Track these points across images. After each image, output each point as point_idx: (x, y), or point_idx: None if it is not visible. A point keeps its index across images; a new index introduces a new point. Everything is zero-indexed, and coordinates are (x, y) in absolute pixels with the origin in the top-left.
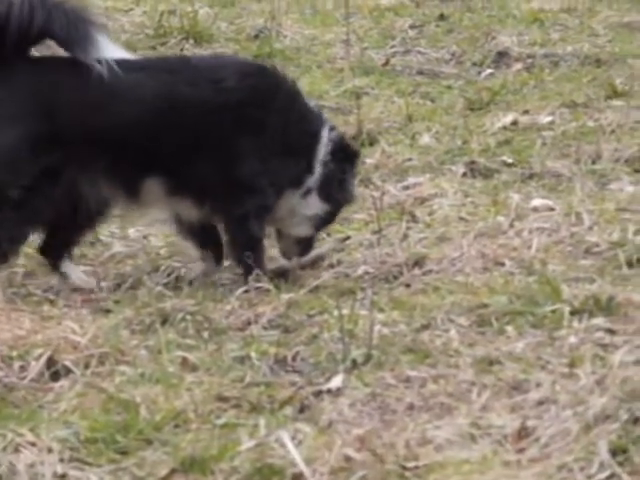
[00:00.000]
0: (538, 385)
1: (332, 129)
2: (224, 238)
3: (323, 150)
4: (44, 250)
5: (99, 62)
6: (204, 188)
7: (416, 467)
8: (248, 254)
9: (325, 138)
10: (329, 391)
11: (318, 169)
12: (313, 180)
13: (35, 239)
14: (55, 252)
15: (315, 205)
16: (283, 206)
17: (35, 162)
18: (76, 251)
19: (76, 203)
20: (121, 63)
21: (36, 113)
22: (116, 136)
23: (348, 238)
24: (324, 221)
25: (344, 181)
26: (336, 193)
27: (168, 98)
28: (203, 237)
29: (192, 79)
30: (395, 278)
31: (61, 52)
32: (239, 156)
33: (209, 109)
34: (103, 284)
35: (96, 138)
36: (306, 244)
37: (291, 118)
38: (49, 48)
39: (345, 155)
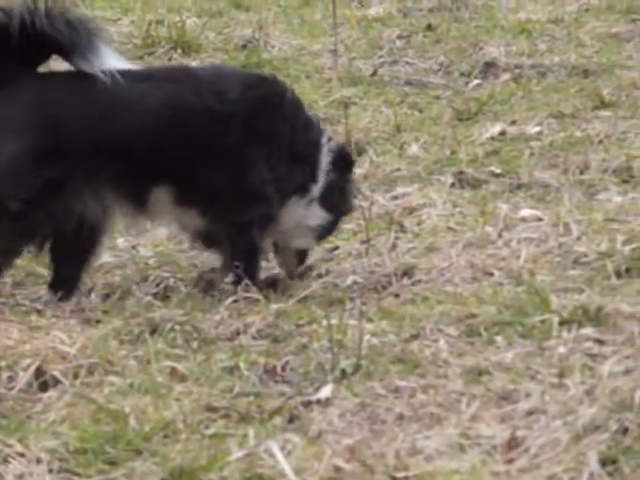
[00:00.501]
0: (527, 395)
1: (330, 138)
2: (223, 244)
3: (325, 159)
4: (54, 286)
5: (103, 73)
6: (211, 196)
7: (406, 477)
8: (239, 263)
9: (326, 147)
10: (318, 401)
11: (321, 178)
12: (316, 190)
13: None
14: (65, 286)
15: (318, 215)
16: (287, 216)
17: (38, 175)
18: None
19: (79, 220)
20: (124, 73)
21: (40, 126)
22: (122, 146)
23: (337, 248)
24: (326, 231)
25: (345, 190)
26: (338, 202)
27: (174, 107)
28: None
29: (197, 89)
30: (384, 288)
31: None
32: (246, 164)
33: (216, 118)
34: (92, 294)
35: (102, 149)
36: (304, 254)
37: (296, 127)
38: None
39: (344, 164)
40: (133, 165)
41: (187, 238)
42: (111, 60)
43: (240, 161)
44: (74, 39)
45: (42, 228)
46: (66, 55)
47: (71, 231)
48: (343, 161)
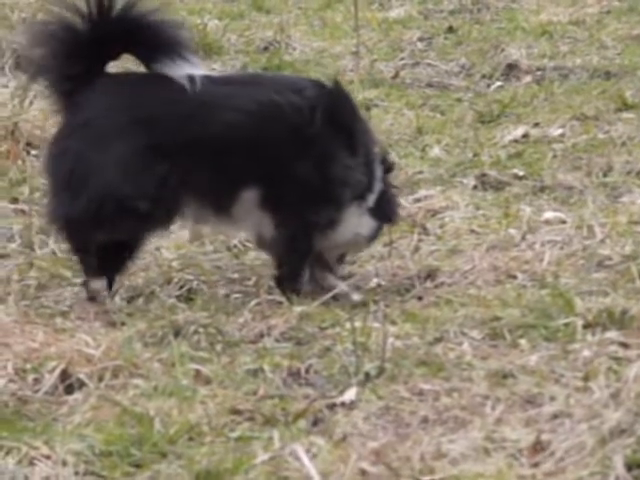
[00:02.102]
0: (552, 399)
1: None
2: (280, 239)
3: (378, 168)
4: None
5: (189, 78)
6: (291, 197)
7: None
8: (289, 262)
9: (378, 155)
10: (343, 404)
11: (376, 188)
12: (372, 199)
13: (48, 252)
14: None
15: (370, 224)
16: (344, 224)
17: (151, 172)
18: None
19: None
20: (203, 78)
21: (138, 126)
22: (215, 145)
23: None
24: (373, 239)
25: (393, 199)
26: (387, 211)
27: (262, 104)
28: None
29: (277, 88)
30: (407, 291)
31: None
32: (328, 162)
33: (300, 113)
34: (116, 297)
35: (196, 149)
36: (344, 256)
37: (363, 129)
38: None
39: (389, 171)
40: (225, 166)
41: (255, 242)
42: (192, 65)
43: (322, 158)
44: (157, 44)
45: (165, 222)
46: (147, 59)
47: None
48: (389, 168)
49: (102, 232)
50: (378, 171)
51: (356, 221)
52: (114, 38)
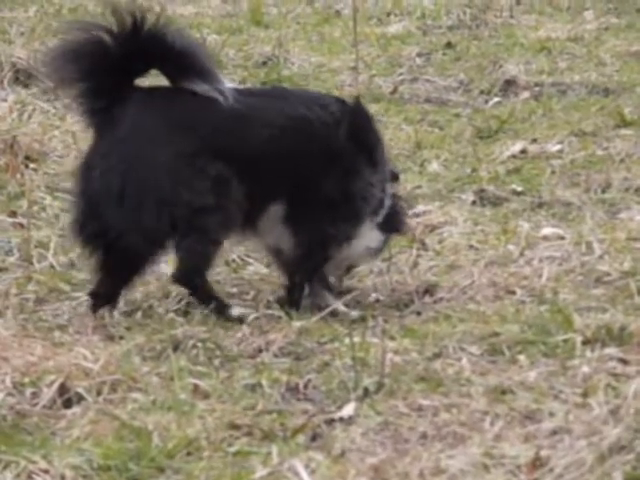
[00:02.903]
0: (551, 415)
1: None
2: (297, 251)
3: (388, 184)
4: (96, 295)
5: (219, 91)
6: (315, 211)
7: None
8: (303, 273)
9: (389, 170)
10: (341, 419)
11: (386, 204)
12: (382, 214)
13: (46, 265)
14: (105, 299)
15: (378, 238)
16: (357, 239)
17: (202, 177)
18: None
19: None
20: (235, 91)
21: (179, 135)
22: (250, 159)
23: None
24: (381, 251)
25: (401, 212)
26: (394, 224)
27: (294, 119)
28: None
29: (304, 103)
30: (406, 306)
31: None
32: (352, 178)
33: (328, 128)
34: (114, 311)
35: (233, 164)
36: (352, 268)
37: (382, 145)
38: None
39: (394, 179)
40: (260, 179)
41: (272, 254)
42: (217, 81)
43: (347, 174)
44: (184, 58)
45: (235, 220)
46: (171, 72)
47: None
48: (394, 178)
49: (167, 240)
50: (389, 188)
51: (368, 235)
52: (143, 54)
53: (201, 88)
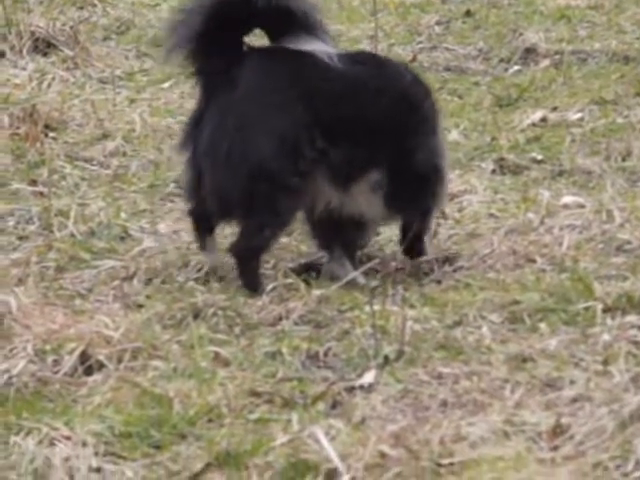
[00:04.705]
0: (572, 382)
1: None
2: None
3: None
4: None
5: (327, 55)
6: (403, 181)
7: (451, 464)
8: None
9: None
10: (361, 387)
11: None
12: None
13: (66, 234)
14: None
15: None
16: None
17: (311, 148)
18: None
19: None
20: (339, 57)
21: (297, 102)
22: (359, 128)
23: (378, 234)
24: None
25: None
26: None
27: (400, 87)
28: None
29: (398, 70)
30: (426, 275)
31: None
32: (438, 148)
33: (418, 97)
34: (134, 279)
35: (340, 127)
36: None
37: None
38: None
39: None
40: (360, 147)
41: (311, 229)
42: (323, 43)
43: (435, 141)
44: (291, 17)
45: (306, 197)
46: (276, 32)
47: None
48: None
49: (256, 209)
50: None
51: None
52: (252, 15)
53: (310, 48)
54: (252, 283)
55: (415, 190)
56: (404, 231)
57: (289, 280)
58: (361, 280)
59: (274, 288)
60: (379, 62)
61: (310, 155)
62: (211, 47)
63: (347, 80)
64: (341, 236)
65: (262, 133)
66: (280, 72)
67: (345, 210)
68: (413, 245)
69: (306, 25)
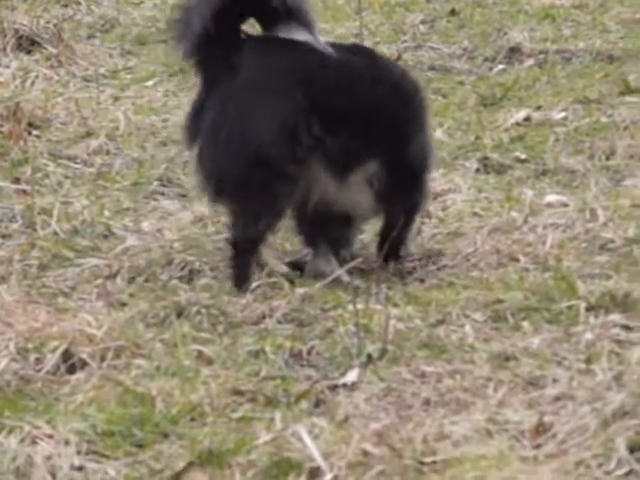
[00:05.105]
0: (555, 381)
1: None
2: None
3: None
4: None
5: (322, 45)
6: (394, 175)
7: (434, 462)
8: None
9: None
10: (344, 385)
11: None
12: None
13: (50, 232)
14: None
15: None
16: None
17: (309, 135)
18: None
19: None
20: (333, 46)
21: (296, 88)
22: (355, 117)
23: (362, 233)
24: None
25: None
26: None
27: (395, 78)
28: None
29: (391, 62)
30: (409, 273)
31: None
32: (429, 142)
33: (411, 89)
34: (118, 277)
35: (337, 116)
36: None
37: None
38: None
39: None
40: (356, 137)
41: (298, 223)
42: (312, 33)
43: (427, 139)
44: (282, 8)
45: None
46: (268, 21)
47: None
48: None
49: (252, 194)
50: None
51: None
52: (247, 3)
53: (303, 37)
54: (240, 277)
55: (405, 185)
56: (384, 235)
57: (273, 279)
58: (345, 278)
59: (258, 286)
60: (372, 54)
61: (307, 142)
62: (211, 36)
63: (344, 68)
64: (328, 232)
65: (262, 118)
66: (279, 59)
67: (338, 202)
68: (395, 248)
69: (298, 16)
